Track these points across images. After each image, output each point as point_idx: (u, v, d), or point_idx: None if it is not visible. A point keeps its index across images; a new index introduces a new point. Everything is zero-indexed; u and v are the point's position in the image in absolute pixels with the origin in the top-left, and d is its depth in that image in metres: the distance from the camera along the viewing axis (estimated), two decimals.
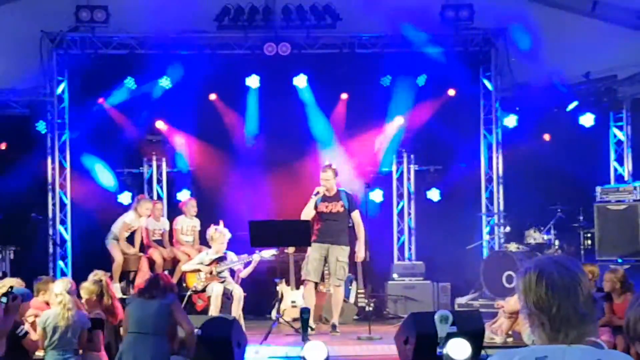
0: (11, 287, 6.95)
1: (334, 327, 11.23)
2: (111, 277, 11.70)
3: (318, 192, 11.17)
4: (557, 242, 12.93)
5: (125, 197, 14.09)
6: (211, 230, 11.59)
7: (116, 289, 12.03)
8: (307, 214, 11.18)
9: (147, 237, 12.99)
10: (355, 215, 11.30)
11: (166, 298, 7.10)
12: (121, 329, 7.41)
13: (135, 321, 7.01)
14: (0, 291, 7.74)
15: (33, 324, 7.54)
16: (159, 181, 14.69)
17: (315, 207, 11.22)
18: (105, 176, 14.14)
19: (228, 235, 11.51)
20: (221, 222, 11.72)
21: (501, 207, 14.35)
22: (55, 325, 7.02)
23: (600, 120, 13.45)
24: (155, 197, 14.44)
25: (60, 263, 14.09)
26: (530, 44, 13.52)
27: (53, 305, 7.18)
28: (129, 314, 7.16)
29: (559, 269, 2.64)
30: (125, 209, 13.25)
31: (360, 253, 11.34)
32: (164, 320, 7.01)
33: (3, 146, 13.88)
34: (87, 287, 7.66)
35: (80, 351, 7.23)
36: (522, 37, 13.60)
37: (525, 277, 2.68)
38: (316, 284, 11.42)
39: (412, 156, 14.65)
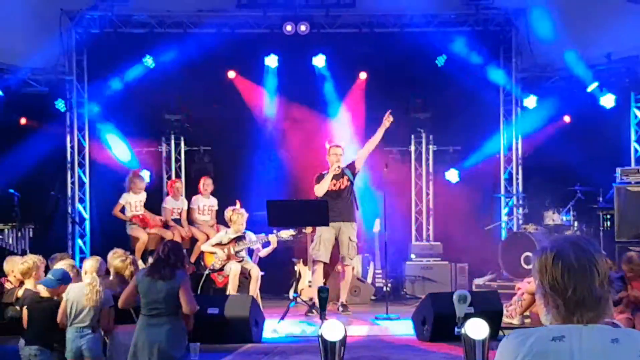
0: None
1: (344, 306, 11.25)
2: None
3: (338, 167, 11.20)
4: (576, 224, 12.88)
5: (144, 175, 14.09)
6: (229, 212, 11.61)
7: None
8: (322, 188, 11.15)
9: (165, 215, 13.05)
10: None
11: (174, 278, 6.96)
12: (122, 299, 7.24)
13: (146, 304, 6.91)
14: (24, 266, 7.86)
15: None
16: (177, 160, 14.72)
17: None
18: (124, 154, 14.17)
19: (246, 215, 11.53)
20: (238, 203, 11.74)
21: (520, 188, 14.29)
22: (74, 301, 7.05)
23: (621, 101, 13.35)
24: (173, 175, 14.48)
25: (79, 241, 14.17)
26: (551, 24, 13.39)
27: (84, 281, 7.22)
28: (141, 294, 7.01)
29: (576, 251, 2.62)
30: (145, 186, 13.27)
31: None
32: (175, 300, 6.92)
33: (23, 120, 13.87)
34: (116, 265, 7.68)
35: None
36: (542, 17, 13.47)
37: (541, 258, 2.67)
38: (325, 263, 11.40)
39: (430, 136, 14.60)
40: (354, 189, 11.41)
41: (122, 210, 12.84)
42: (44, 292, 7.26)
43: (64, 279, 7.26)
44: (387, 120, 11.25)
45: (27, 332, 7.24)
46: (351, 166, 11.41)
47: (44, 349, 7.12)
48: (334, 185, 11.23)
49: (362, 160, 11.50)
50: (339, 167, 11.18)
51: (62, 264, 7.52)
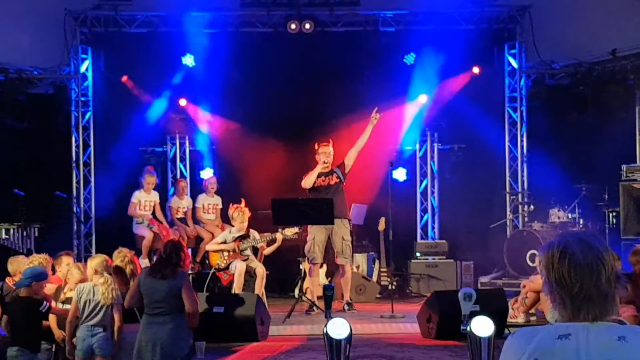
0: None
1: (349, 304, 11.26)
2: (138, 254, 11.82)
3: (325, 162, 11.27)
4: (581, 221, 12.84)
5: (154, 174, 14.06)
6: (231, 210, 11.61)
7: (144, 265, 12.11)
8: (309, 181, 11.27)
9: (171, 215, 13.06)
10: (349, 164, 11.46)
11: (176, 278, 6.97)
12: (127, 299, 7.24)
13: (149, 303, 6.92)
14: (29, 265, 7.87)
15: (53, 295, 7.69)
16: (182, 159, 14.73)
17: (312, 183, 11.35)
18: (128, 154, 14.16)
19: (248, 213, 11.51)
20: (243, 201, 11.72)
21: (525, 186, 14.28)
22: (87, 300, 7.06)
23: (626, 98, 13.31)
24: (178, 175, 14.48)
25: (84, 240, 14.18)
26: (556, 20, 13.37)
27: (92, 281, 7.22)
28: (143, 294, 7.02)
29: (583, 247, 2.61)
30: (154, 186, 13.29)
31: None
32: (176, 299, 6.92)
33: (27, 121, 13.88)
34: (118, 264, 7.70)
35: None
36: (547, 13, 13.45)
37: (548, 253, 2.65)
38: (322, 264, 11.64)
39: (435, 134, 14.58)
40: (343, 188, 11.42)
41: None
42: (22, 292, 7.27)
43: (34, 276, 7.20)
44: (374, 117, 11.30)
45: (11, 334, 7.26)
46: (341, 166, 11.45)
47: (24, 349, 7.07)
48: (323, 181, 11.33)
49: (352, 159, 11.47)
50: (325, 162, 11.24)
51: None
